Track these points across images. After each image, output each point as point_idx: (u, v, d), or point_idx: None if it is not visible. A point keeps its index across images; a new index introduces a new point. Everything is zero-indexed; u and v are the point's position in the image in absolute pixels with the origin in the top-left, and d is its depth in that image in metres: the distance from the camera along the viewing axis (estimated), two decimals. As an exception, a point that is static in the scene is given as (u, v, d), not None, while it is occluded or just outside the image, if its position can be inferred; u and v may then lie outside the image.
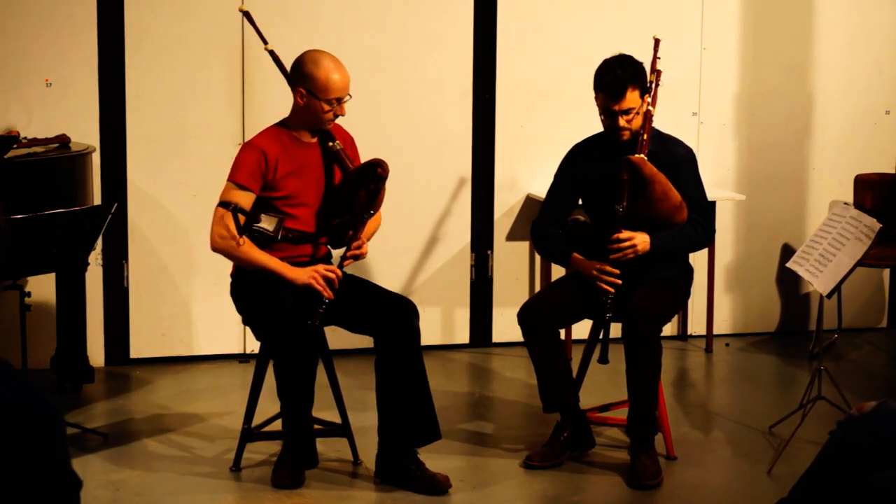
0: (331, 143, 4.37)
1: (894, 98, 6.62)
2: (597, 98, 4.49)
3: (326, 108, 4.27)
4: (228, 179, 4.30)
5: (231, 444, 4.60)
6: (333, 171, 4.41)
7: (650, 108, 4.49)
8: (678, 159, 4.54)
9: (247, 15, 4.74)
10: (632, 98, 4.42)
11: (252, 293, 4.32)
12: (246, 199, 4.27)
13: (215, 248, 4.31)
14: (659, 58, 4.62)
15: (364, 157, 4.50)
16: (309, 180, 4.35)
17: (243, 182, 4.26)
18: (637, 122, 4.47)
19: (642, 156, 4.41)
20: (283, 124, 4.40)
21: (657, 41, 4.64)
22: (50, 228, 4.47)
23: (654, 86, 4.54)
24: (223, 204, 4.27)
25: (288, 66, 4.42)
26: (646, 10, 6.22)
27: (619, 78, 4.40)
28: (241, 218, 4.25)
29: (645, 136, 4.46)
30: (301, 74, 4.28)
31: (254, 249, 4.27)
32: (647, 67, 4.55)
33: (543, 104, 6.18)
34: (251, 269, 4.29)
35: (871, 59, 6.56)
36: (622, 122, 4.44)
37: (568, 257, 4.60)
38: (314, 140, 4.39)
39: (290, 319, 4.21)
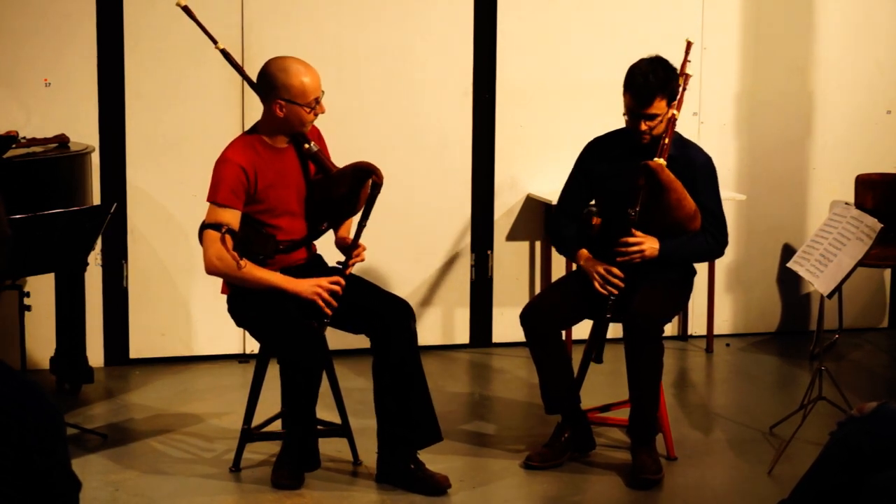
0: (307, 146, 4.29)
1: (895, 98, 6.61)
2: (624, 97, 4.44)
3: (307, 111, 4.21)
4: (210, 200, 4.20)
5: (231, 444, 4.60)
6: (310, 172, 4.36)
7: (675, 112, 4.45)
8: (697, 166, 4.50)
9: (186, 10, 4.54)
10: (659, 105, 4.38)
11: (254, 307, 4.27)
12: (233, 218, 4.18)
13: (213, 271, 4.21)
14: (689, 61, 4.57)
15: (362, 157, 4.47)
16: (290, 188, 4.30)
17: (226, 202, 4.17)
18: (660, 128, 4.43)
19: (661, 161, 4.37)
20: (254, 131, 4.31)
21: (689, 44, 4.59)
22: (49, 228, 4.46)
23: (681, 90, 4.50)
24: (213, 226, 4.17)
25: (240, 62, 4.36)
26: (646, 10, 6.21)
27: (651, 85, 4.35)
28: (232, 239, 4.17)
29: (667, 141, 4.42)
30: (274, 86, 4.19)
31: (255, 268, 4.20)
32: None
33: (543, 104, 6.17)
34: (253, 288, 4.24)
35: (872, 59, 6.55)
36: (644, 126, 4.41)
37: (575, 252, 4.59)
38: (288, 145, 4.32)
39: (295, 325, 4.19)
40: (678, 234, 4.45)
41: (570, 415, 4.58)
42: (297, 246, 4.35)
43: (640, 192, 4.38)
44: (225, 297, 4.40)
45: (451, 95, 6.08)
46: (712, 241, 4.52)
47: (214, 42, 4.49)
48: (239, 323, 4.40)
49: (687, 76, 4.54)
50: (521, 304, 4.63)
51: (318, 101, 4.22)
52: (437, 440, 4.36)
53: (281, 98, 4.18)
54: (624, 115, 4.47)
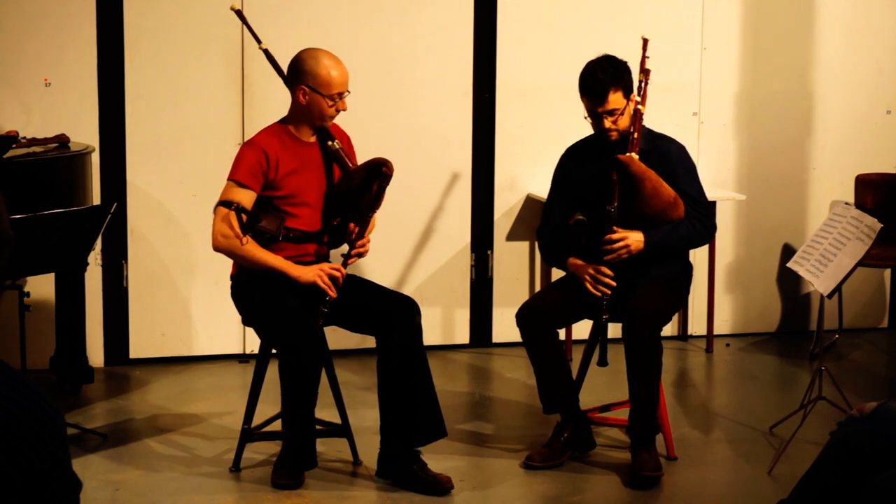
0: (330, 143, 4.37)
1: (895, 98, 6.61)
2: (582, 101, 4.51)
3: (330, 103, 4.27)
4: (229, 178, 4.28)
5: (231, 444, 4.60)
6: (333, 170, 4.41)
7: (639, 106, 4.49)
8: (671, 156, 4.54)
9: (239, 14, 4.70)
10: (615, 99, 4.43)
11: (254, 295, 4.30)
12: (247, 198, 4.25)
13: (218, 248, 4.27)
14: (648, 57, 4.63)
15: (363, 156, 4.50)
16: (310, 179, 4.35)
17: (244, 181, 4.24)
18: (624, 122, 4.47)
19: (630, 154, 4.41)
20: (282, 123, 4.39)
21: (645, 41, 4.66)
22: (49, 228, 4.46)
23: (643, 85, 4.55)
24: (225, 203, 4.24)
25: (283, 67, 4.43)
26: (646, 10, 6.21)
27: (601, 81, 4.42)
28: (244, 217, 4.23)
29: (636, 135, 4.47)
30: (301, 72, 4.28)
31: (258, 248, 4.24)
32: (637, 67, 4.55)
33: (543, 104, 6.17)
34: (255, 269, 4.26)
35: (872, 59, 6.55)
36: (608, 123, 4.46)
37: (565, 262, 4.60)
38: (314, 139, 4.39)
39: (295, 321, 4.20)
40: (661, 224, 4.47)
41: (568, 414, 4.58)
42: (305, 238, 4.36)
43: (614, 186, 4.41)
44: (226, 293, 4.41)
45: (451, 95, 6.08)
46: (699, 225, 4.53)
47: (258, 42, 4.60)
48: (240, 308, 4.42)
49: (647, 71, 4.60)
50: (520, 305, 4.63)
51: (341, 96, 4.28)
52: (441, 436, 4.36)
53: (306, 84, 4.26)
54: (586, 118, 4.52)
